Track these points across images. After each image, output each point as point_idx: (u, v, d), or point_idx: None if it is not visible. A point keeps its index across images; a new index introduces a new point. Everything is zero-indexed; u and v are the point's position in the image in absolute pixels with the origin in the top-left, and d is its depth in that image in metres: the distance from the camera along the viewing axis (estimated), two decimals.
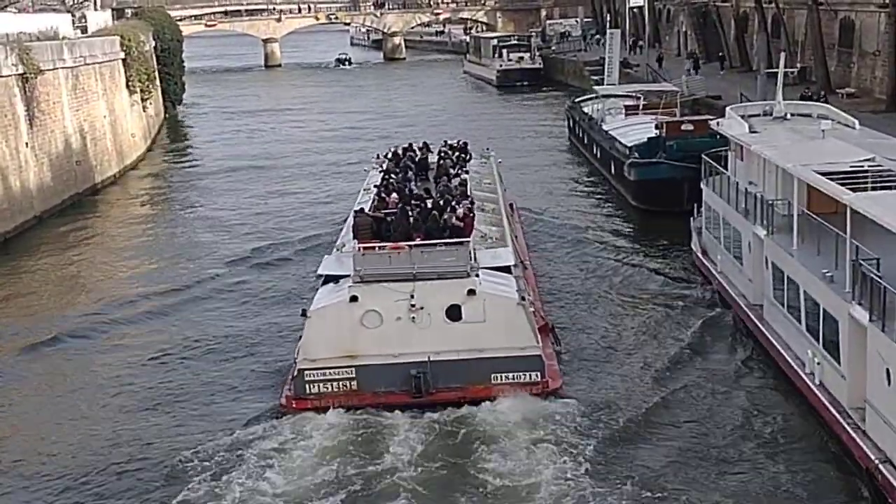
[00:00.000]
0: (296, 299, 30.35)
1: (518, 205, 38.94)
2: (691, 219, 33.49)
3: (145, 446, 21.80)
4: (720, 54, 72.99)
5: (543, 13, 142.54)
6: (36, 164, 45.44)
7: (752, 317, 25.77)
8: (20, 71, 44.42)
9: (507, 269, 24.70)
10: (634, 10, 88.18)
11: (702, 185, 32.07)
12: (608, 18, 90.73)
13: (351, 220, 27.17)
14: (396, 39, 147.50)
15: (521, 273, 26.46)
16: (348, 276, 23.35)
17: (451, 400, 22.21)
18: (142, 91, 67.17)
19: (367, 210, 26.85)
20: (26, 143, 44.54)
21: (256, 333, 28.61)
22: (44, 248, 40.80)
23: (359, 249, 23.44)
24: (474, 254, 23.83)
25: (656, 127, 41.51)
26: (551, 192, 45.78)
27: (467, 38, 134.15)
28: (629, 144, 42.35)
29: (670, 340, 26.69)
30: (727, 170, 30.05)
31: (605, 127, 48.40)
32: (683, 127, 40.21)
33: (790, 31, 65.12)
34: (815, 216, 22.61)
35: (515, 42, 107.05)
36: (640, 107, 50.07)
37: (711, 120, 34.34)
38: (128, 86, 63.71)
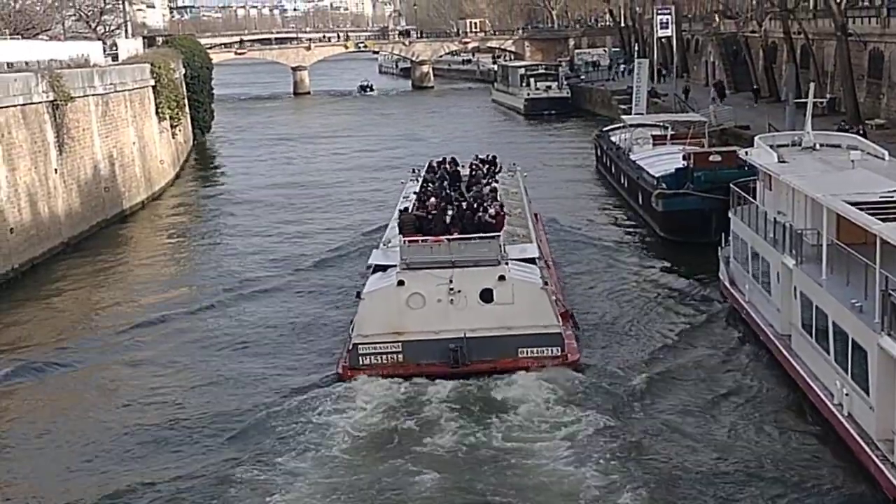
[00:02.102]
0: (336, 305, 33.61)
1: (545, 228, 39.95)
2: (719, 248, 33.39)
3: (222, 406, 25.45)
4: (754, 87, 72.81)
5: (571, 42, 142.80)
6: (65, 190, 45.75)
7: (780, 346, 25.62)
8: (51, 98, 44.77)
9: (532, 261, 28.19)
10: (662, 40, 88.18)
11: (730, 215, 31.99)
12: (636, 48, 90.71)
13: (396, 219, 30.79)
14: (425, 68, 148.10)
15: (544, 265, 29.97)
16: (395, 265, 26.96)
17: (483, 370, 25.67)
18: (171, 118, 67.56)
19: (410, 210, 30.33)
20: (55, 170, 44.87)
21: (304, 332, 31.49)
22: (72, 273, 40.99)
23: (404, 242, 27.10)
24: (504, 247, 27.18)
25: (684, 157, 41.37)
26: (578, 221, 45.66)
27: (495, 67, 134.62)
28: (657, 175, 42.25)
29: (693, 364, 26.83)
30: (755, 199, 29.98)
31: (632, 157, 48.34)
32: (711, 158, 40.02)
33: (819, 62, 64.99)
34: (844, 246, 22.47)
35: (543, 71, 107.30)
36: (668, 137, 50.01)
37: (739, 150, 34.26)
38: (157, 113, 64.10)
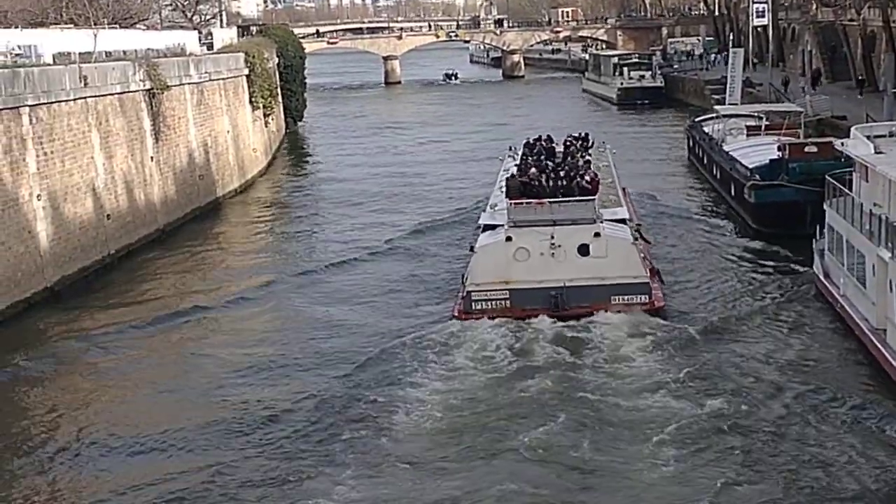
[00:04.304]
0: (436, 272, 36.87)
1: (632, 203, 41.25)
2: (813, 241, 32.98)
3: (350, 344, 29.23)
4: (860, 77, 71.43)
5: (664, 31, 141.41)
6: (160, 177, 46.56)
7: (875, 341, 25.26)
8: (147, 86, 45.58)
9: (622, 221, 31.95)
10: (758, 28, 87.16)
11: (825, 207, 31.58)
12: (731, 37, 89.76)
13: (499, 187, 35.17)
14: (515, 57, 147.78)
15: (633, 226, 33.18)
16: (502, 224, 30.67)
17: (580, 314, 28.99)
18: (264, 107, 68.28)
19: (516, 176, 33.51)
20: (151, 158, 45.68)
21: (415, 290, 34.86)
22: (166, 259, 41.88)
23: (511, 204, 30.81)
24: (598, 208, 30.66)
25: (778, 148, 40.86)
26: (668, 211, 45.36)
27: (586, 56, 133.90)
28: (750, 166, 41.81)
29: (779, 352, 26.89)
30: (851, 191, 29.56)
31: (725, 148, 47.87)
32: (807, 149, 39.48)
33: None
34: None
35: (636, 60, 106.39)
36: (763, 127, 49.42)
37: (835, 141, 33.80)
38: (251, 101, 64.87)
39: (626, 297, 29.26)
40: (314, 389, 25.60)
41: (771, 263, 35.67)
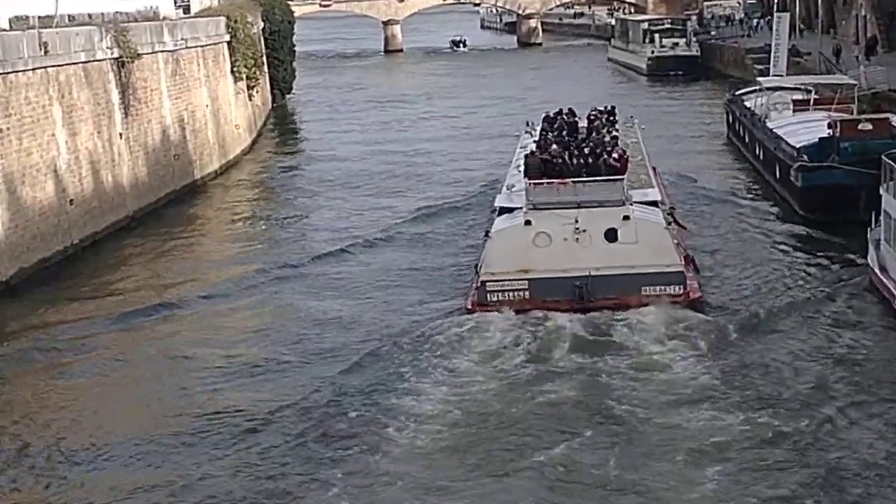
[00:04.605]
0: (443, 264, 37.16)
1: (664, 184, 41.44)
2: (868, 229, 32.93)
3: (343, 343, 29.40)
4: None
5: None
6: (130, 157, 46.59)
7: None
8: (116, 55, 45.56)
9: (654, 204, 32.04)
10: None
11: (881, 192, 31.52)
12: (775, 0, 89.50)
13: (516, 166, 36.02)
14: (532, 22, 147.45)
15: (666, 209, 33.68)
16: (520, 207, 30.82)
17: (607, 306, 29.23)
18: (248, 78, 68.30)
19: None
20: (120, 135, 45.70)
21: (422, 279, 35.56)
22: (137, 250, 41.93)
23: (530, 184, 30.93)
24: (627, 189, 30.71)
25: (829, 125, 40.80)
26: (704, 195, 45.36)
27: (613, 22, 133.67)
28: (797, 145, 41.76)
29: (829, 346, 27.29)
30: None
31: (769, 124, 47.83)
32: (861, 126, 39.41)
33: None
34: None
35: (669, 26, 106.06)
36: (811, 102, 49.33)
37: (893, 117, 33.78)
38: (233, 72, 64.91)
39: (657, 288, 29.46)
40: (300, 396, 25.63)
41: (820, 254, 35.69)
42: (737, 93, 61.33)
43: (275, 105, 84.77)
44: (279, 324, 31.83)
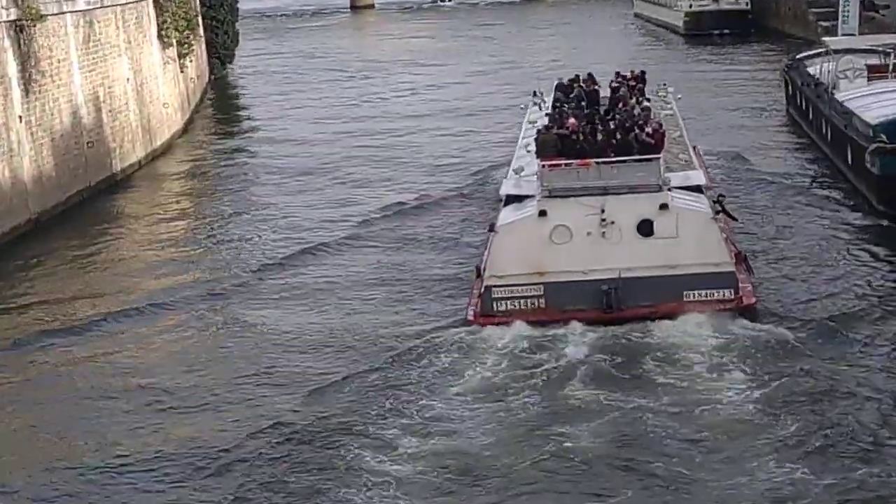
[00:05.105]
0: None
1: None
2: None
3: (321, 357, 30.10)
4: None
5: None
6: (33, 145, 46.49)
7: None
8: (13, 17, 45.44)
9: (698, 189, 32.23)
10: None
11: None
12: None
13: (523, 147, 36.73)
14: None
15: (713, 196, 33.79)
16: (532, 195, 31.01)
17: (642, 317, 29.32)
18: (179, 44, 68.44)
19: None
20: (20, 117, 45.62)
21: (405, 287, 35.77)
22: (42, 260, 41.82)
23: (545, 167, 31.11)
24: (664, 171, 30.80)
25: None
26: (760, 187, 45.55)
27: None
28: (873, 122, 41.89)
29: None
30: None
31: (838, 96, 48.08)
32: None
33: None
34: None
35: None
36: (891, 67, 49.64)
37: None
38: (160, 36, 64.98)
39: (704, 293, 29.61)
40: (236, 443, 25.26)
41: None
42: (798, 56, 61.70)
43: (214, 77, 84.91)
44: (206, 349, 31.88)
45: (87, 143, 51.94)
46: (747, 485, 22.31)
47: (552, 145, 32.25)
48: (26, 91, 46.36)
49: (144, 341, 32.83)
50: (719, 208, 33.01)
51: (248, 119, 74.85)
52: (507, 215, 31.94)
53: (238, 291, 36.47)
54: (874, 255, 36.73)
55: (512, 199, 32.56)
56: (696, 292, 29.48)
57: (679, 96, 45.42)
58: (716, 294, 29.52)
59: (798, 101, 57.39)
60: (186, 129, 68.55)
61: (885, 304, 31.86)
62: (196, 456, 24.78)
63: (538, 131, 34.30)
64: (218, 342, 32.38)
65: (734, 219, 36.10)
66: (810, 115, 53.45)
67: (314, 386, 27.99)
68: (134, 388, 29.10)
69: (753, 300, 30.06)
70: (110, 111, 54.97)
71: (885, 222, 39.41)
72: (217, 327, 33.66)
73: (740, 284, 29.98)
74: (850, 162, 44.42)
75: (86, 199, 50.62)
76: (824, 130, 49.73)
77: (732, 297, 29.61)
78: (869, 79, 49.10)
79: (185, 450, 25.18)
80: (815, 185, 46.71)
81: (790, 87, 60.31)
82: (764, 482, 22.34)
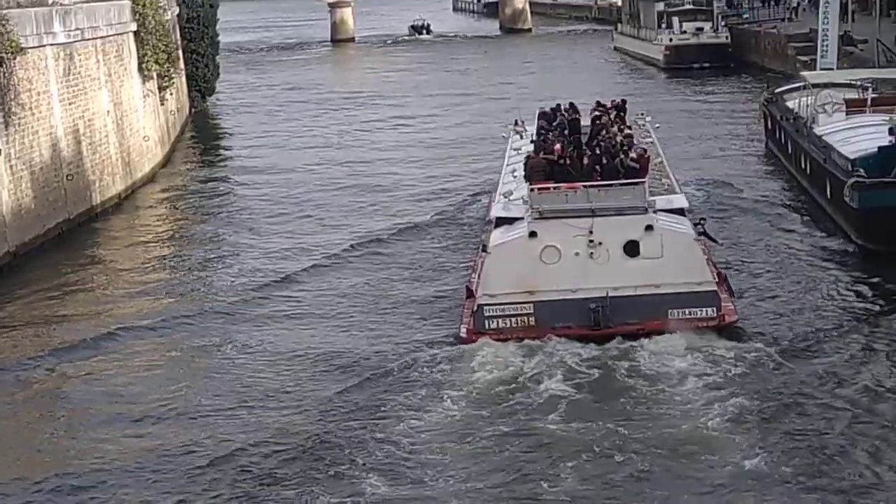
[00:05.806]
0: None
1: None
2: None
3: (307, 375, 30.90)
4: None
5: None
6: (11, 178, 46.39)
7: None
8: None
9: (681, 212, 33.92)
10: None
11: None
12: None
13: (509, 172, 38.10)
14: (519, 3, 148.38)
15: (695, 219, 35.49)
16: (522, 217, 32.41)
17: (628, 334, 30.52)
18: (160, 77, 68.40)
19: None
20: None
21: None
22: (20, 293, 41.67)
23: (534, 189, 32.32)
24: (649, 194, 32.10)
25: (891, 131, 41.14)
26: (737, 214, 45.89)
27: (619, 2, 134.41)
28: (852, 156, 41.99)
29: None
30: None
31: (816, 130, 48.17)
32: None
33: None
34: None
35: (691, 7, 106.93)
36: (869, 101, 49.72)
37: None
38: (141, 69, 64.90)
39: (688, 311, 30.88)
40: (222, 463, 25.57)
41: (881, 295, 35.84)
42: (777, 90, 61.79)
43: (194, 110, 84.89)
44: (198, 367, 32.51)
45: (67, 175, 51.82)
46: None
47: (541, 169, 33.39)
48: (6, 124, 46.21)
49: (124, 365, 32.93)
50: (702, 230, 34.80)
51: (229, 150, 74.82)
52: (498, 236, 33.27)
53: (223, 316, 36.75)
54: (850, 278, 37.23)
55: (502, 222, 33.90)
56: (680, 310, 30.77)
57: (657, 125, 46.25)
58: (699, 312, 30.84)
59: (777, 134, 57.47)
60: (167, 161, 68.40)
61: (858, 323, 32.83)
62: (174, 471, 25.26)
63: (527, 156, 35.48)
64: (201, 364, 32.67)
65: (716, 241, 37.01)
66: (789, 149, 53.50)
67: (298, 406, 28.52)
68: (114, 406, 29.50)
69: (735, 318, 31.44)
70: (90, 144, 54.86)
71: (854, 248, 39.92)
72: (202, 350, 33.81)
73: (722, 304, 31.29)
74: (829, 196, 44.40)
75: (65, 231, 50.42)
76: (803, 164, 49.77)
77: (715, 315, 30.95)
78: (847, 113, 49.24)
79: (162, 466, 25.56)
80: (793, 213, 46.85)
81: (769, 121, 60.41)
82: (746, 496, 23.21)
